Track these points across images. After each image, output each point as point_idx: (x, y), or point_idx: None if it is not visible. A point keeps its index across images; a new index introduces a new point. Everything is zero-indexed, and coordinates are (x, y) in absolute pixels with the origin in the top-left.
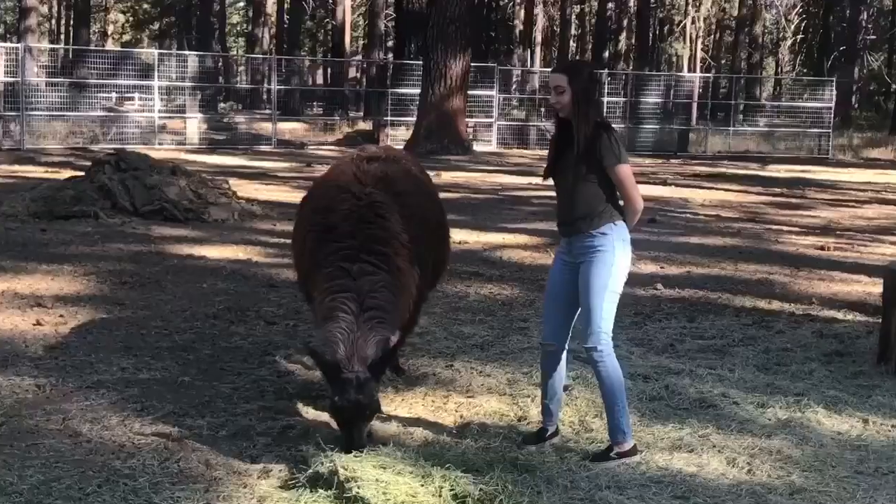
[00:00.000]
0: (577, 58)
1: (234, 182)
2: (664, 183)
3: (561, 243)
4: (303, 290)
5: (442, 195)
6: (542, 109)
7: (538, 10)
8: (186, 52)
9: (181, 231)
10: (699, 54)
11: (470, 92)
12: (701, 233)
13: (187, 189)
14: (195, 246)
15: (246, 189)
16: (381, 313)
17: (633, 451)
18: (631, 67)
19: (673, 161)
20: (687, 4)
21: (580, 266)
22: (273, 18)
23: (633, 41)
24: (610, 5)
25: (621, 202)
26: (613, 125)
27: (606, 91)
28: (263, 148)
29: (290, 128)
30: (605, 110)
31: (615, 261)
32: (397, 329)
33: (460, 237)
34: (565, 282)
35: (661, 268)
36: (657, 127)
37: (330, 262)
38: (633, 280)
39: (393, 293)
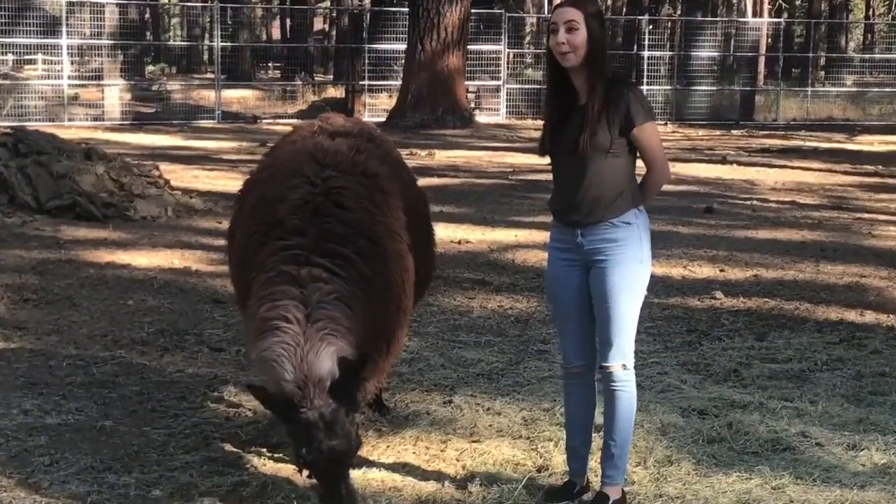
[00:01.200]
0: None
1: (166, 168)
2: (723, 161)
3: (556, 236)
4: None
5: (436, 180)
6: None
7: None
8: (102, 0)
9: (99, 232)
10: None
11: (471, 47)
12: (771, 225)
13: (106, 178)
14: (117, 251)
15: (183, 177)
16: (333, 324)
17: (625, 499)
18: (679, 12)
19: (734, 132)
20: None
21: (594, 265)
22: None
23: None
24: None
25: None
26: (659, 86)
27: (647, 42)
28: (205, 123)
29: (239, 96)
30: (645, 66)
31: (643, 257)
32: (353, 348)
33: (460, 234)
34: (577, 286)
35: (721, 271)
36: (713, 89)
37: (271, 265)
38: (684, 287)
39: (350, 306)
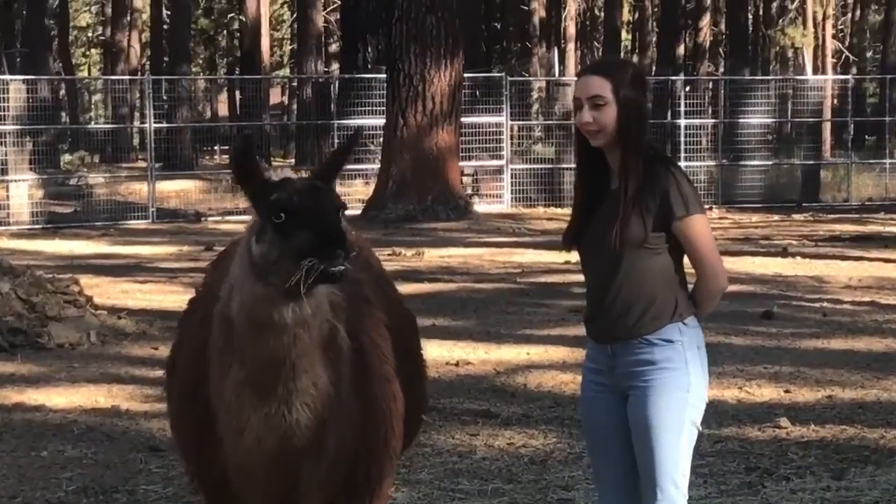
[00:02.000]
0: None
1: (88, 282)
2: (783, 252)
3: (589, 353)
4: (192, 471)
5: (426, 286)
6: None
7: None
8: (6, 76)
9: (5, 366)
10: (829, 44)
11: (466, 119)
12: (847, 332)
13: (13, 297)
14: (28, 389)
15: (109, 292)
16: None
17: None
18: (722, 70)
19: (796, 217)
20: None
21: (630, 392)
22: (145, 17)
23: (723, 28)
24: None
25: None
26: (700, 161)
27: (683, 108)
28: (136, 223)
29: (178, 189)
30: (682, 138)
31: (691, 383)
32: None
33: (459, 354)
34: (613, 417)
35: (786, 392)
36: (768, 164)
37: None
38: (740, 413)
39: None
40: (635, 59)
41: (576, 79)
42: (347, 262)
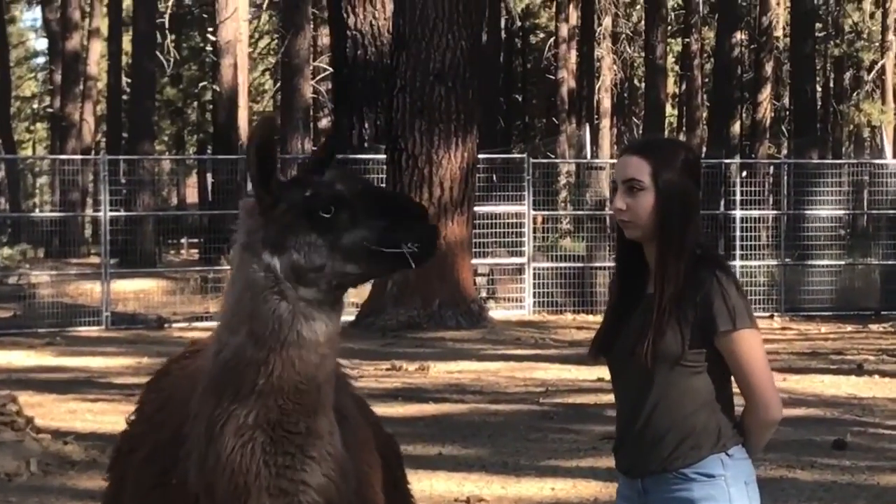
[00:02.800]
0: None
1: (29, 399)
2: (859, 370)
3: (620, 488)
4: None
5: (431, 407)
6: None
7: (601, 50)
8: None
9: None
10: None
11: (480, 208)
12: None
13: None
14: None
15: (54, 412)
16: None
17: None
18: (785, 152)
19: (873, 328)
20: (885, 31)
21: None
22: (101, 85)
23: (786, 103)
24: (738, 37)
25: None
26: (759, 261)
27: (739, 197)
28: (87, 330)
29: (138, 289)
30: (738, 232)
31: None
32: None
33: (470, 489)
34: None
35: None
36: (840, 263)
37: None
38: None
39: None
40: (682, 138)
41: (617, 158)
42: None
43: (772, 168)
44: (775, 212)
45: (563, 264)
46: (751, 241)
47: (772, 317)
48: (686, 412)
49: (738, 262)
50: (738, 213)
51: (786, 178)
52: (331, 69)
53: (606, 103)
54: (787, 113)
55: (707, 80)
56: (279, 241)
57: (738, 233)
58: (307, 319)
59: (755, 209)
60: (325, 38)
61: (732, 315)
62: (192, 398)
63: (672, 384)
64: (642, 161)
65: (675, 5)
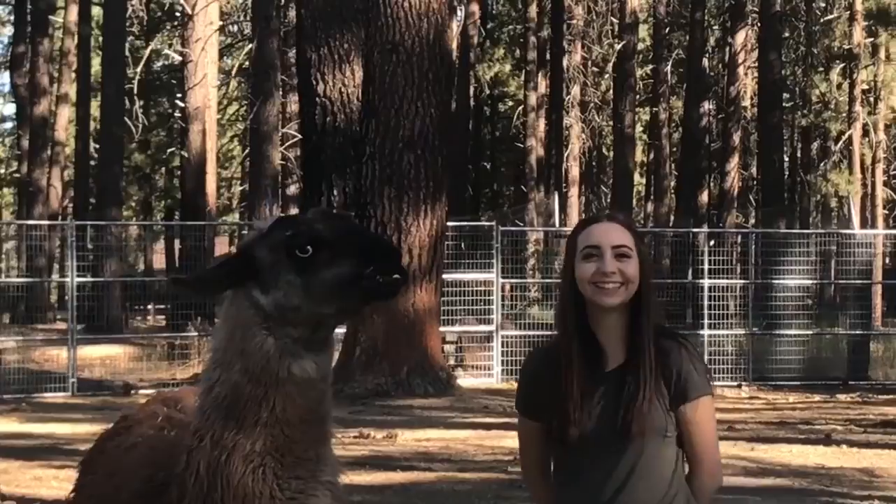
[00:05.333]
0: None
1: None
2: (826, 440)
3: None
4: None
5: (399, 476)
6: None
7: (570, 118)
8: None
9: None
10: (881, 193)
11: (449, 276)
12: None
13: None
14: None
15: (19, 479)
16: None
17: None
18: (752, 222)
19: (841, 397)
20: (852, 102)
21: None
22: (69, 150)
23: (755, 172)
24: (706, 107)
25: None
26: (727, 329)
27: (707, 266)
28: (52, 397)
29: (104, 355)
30: (706, 301)
31: None
32: None
33: None
34: None
35: None
36: (808, 333)
37: None
38: None
39: None
40: (650, 207)
41: (584, 227)
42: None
43: (739, 237)
44: (743, 281)
45: (531, 332)
46: (719, 310)
47: (740, 386)
48: (665, 483)
49: (706, 332)
50: (706, 283)
51: (754, 247)
52: (300, 136)
53: (575, 171)
54: (755, 182)
55: (675, 149)
56: (265, 280)
57: (706, 302)
58: (295, 357)
59: (723, 278)
60: (293, 105)
61: (701, 382)
62: (183, 436)
63: (653, 456)
64: (624, 230)
65: (644, 75)
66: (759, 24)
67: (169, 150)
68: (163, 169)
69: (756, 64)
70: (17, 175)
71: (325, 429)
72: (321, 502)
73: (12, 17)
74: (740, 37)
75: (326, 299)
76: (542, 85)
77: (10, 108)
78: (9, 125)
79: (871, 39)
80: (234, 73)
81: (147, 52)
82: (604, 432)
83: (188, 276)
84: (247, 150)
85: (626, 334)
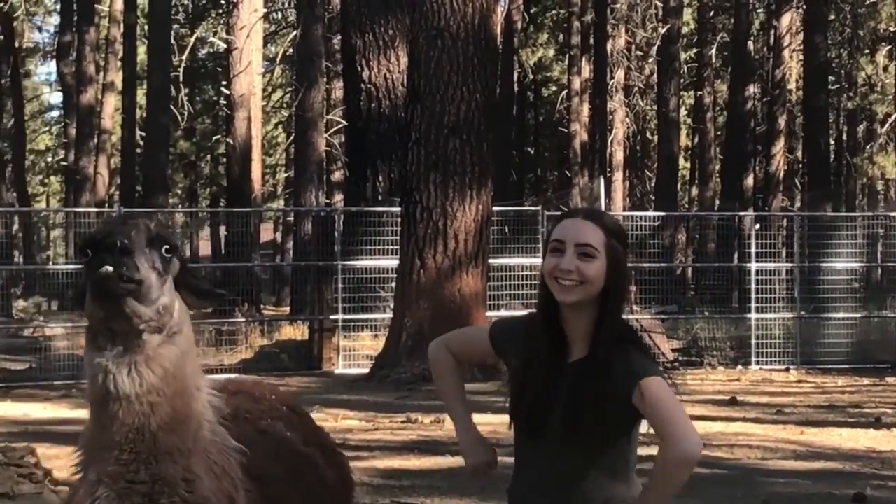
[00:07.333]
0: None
1: (46, 452)
2: (877, 423)
3: None
4: None
5: (447, 460)
6: (634, 287)
7: (614, 102)
8: None
9: None
10: None
11: (494, 260)
12: None
13: None
14: None
15: (69, 465)
16: None
17: None
18: (798, 205)
19: (890, 380)
20: None
21: None
22: (115, 139)
23: (801, 155)
24: (751, 90)
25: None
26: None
27: (754, 250)
28: None
29: None
30: (753, 285)
31: None
32: None
33: None
34: None
35: None
36: (856, 317)
37: None
38: None
39: None
40: (695, 190)
41: (560, 220)
42: (120, 265)
43: (785, 221)
44: (790, 264)
45: None
46: (766, 293)
47: (787, 370)
48: (607, 483)
49: (753, 315)
50: (753, 266)
51: (799, 230)
52: (344, 122)
53: (619, 156)
54: (801, 166)
55: (720, 132)
56: None
57: (753, 285)
58: (108, 372)
59: (770, 262)
60: (338, 92)
61: (639, 368)
62: None
63: (594, 454)
64: (595, 227)
65: (688, 58)
66: (804, 7)
67: (214, 138)
68: (208, 156)
69: (801, 47)
70: (64, 163)
71: (157, 447)
72: None
73: (59, 7)
74: (785, 19)
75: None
76: (586, 69)
77: (57, 97)
78: (56, 114)
79: None
80: (278, 60)
81: (192, 39)
82: (552, 424)
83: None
84: (291, 137)
85: (592, 330)
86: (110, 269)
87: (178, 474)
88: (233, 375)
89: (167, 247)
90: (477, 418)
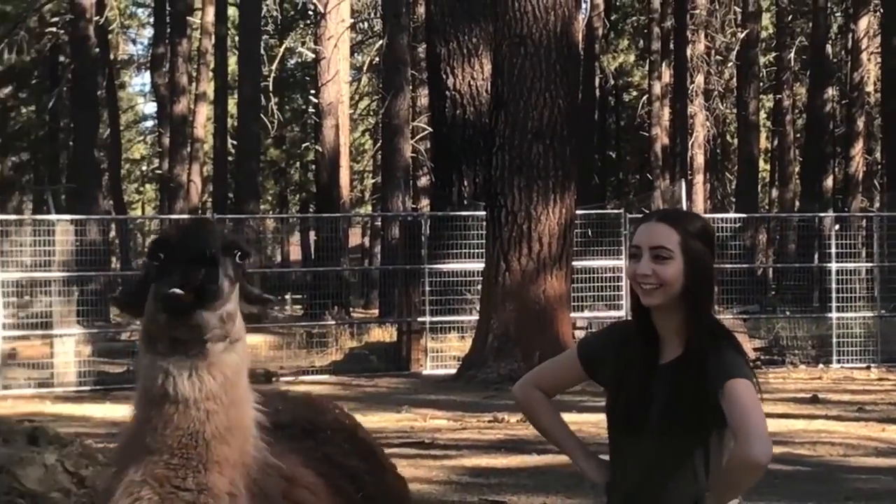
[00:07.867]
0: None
1: None
2: None
3: None
4: None
5: (536, 459)
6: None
7: (694, 106)
8: (52, 216)
9: None
10: None
11: (578, 263)
12: None
13: (59, 470)
14: None
15: None
16: None
17: None
18: (877, 205)
19: None
20: None
21: None
22: (207, 147)
23: (879, 157)
24: (829, 92)
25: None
26: (855, 312)
27: (834, 250)
28: None
29: (247, 344)
30: (833, 284)
31: None
32: None
33: None
34: None
35: None
36: None
37: None
38: None
39: None
40: (775, 192)
41: (638, 225)
42: (197, 285)
43: (865, 221)
44: (870, 264)
45: None
46: (846, 293)
47: (868, 368)
48: (695, 484)
49: (834, 314)
50: (833, 266)
51: (880, 231)
52: (430, 129)
53: (700, 159)
54: (880, 167)
55: (799, 135)
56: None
57: (833, 285)
58: (168, 375)
59: (850, 262)
60: (423, 99)
61: (729, 369)
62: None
63: (686, 455)
64: (670, 229)
65: (767, 62)
66: (881, 10)
67: (303, 145)
68: (297, 163)
69: (879, 49)
70: (158, 171)
71: (209, 455)
72: None
73: (152, 20)
74: (863, 23)
75: (153, 313)
76: (666, 74)
77: (151, 107)
78: (150, 123)
79: None
80: (364, 68)
81: (281, 50)
82: (649, 422)
83: (119, 294)
84: (378, 144)
85: (683, 329)
86: (187, 292)
87: (223, 487)
88: (329, 379)
89: (239, 253)
90: (564, 416)
